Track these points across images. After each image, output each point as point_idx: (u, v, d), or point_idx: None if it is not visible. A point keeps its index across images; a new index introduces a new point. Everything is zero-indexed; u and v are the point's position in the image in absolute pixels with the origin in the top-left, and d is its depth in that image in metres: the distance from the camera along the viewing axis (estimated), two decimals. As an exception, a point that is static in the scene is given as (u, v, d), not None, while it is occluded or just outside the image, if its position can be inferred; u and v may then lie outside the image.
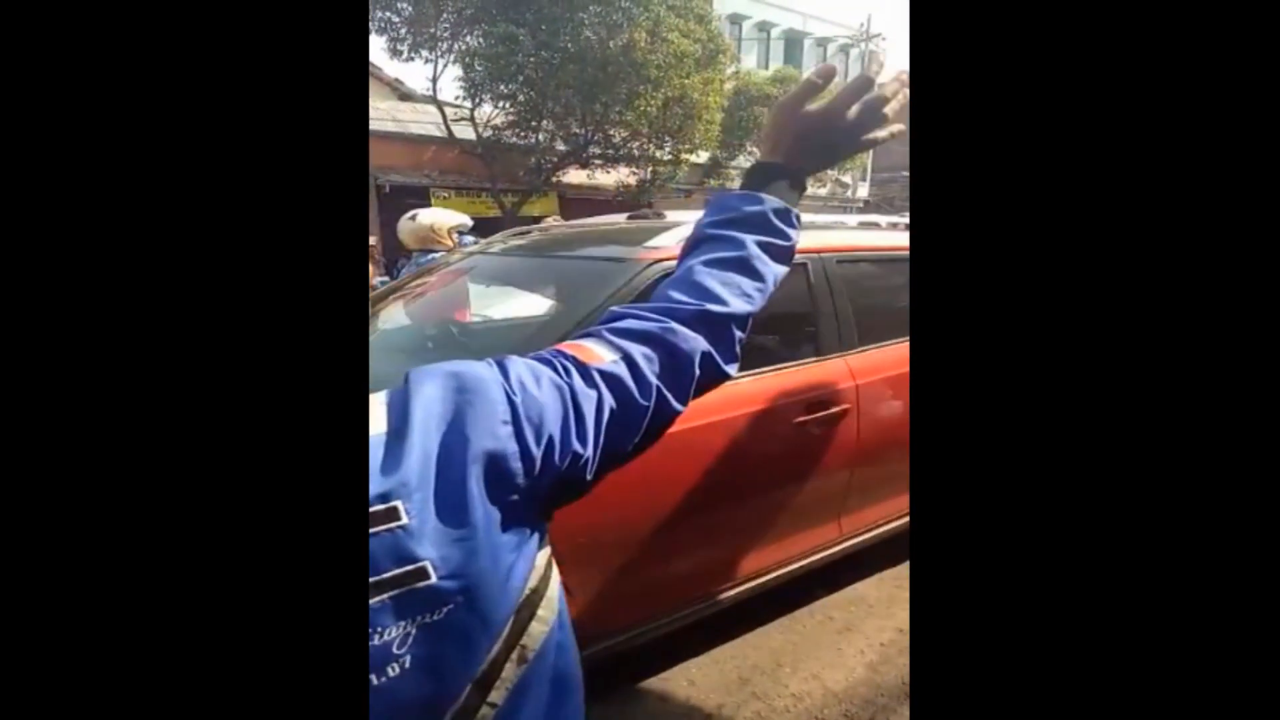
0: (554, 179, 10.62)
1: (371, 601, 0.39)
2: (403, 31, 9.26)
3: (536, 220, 9.42)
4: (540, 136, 9.89)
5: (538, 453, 0.46)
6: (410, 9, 9.04)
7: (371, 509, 0.40)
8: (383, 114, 10.98)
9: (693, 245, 0.61)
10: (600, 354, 0.52)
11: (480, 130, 9.80)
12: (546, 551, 0.49)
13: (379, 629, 0.39)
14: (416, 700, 0.41)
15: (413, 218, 3.35)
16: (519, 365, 0.50)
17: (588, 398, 0.50)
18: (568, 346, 0.54)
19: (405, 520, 0.40)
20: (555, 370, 0.50)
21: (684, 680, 1.79)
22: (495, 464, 0.44)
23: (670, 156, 10.60)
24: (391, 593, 0.39)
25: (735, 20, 17.36)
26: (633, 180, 11.10)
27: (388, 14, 9.12)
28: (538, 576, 0.47)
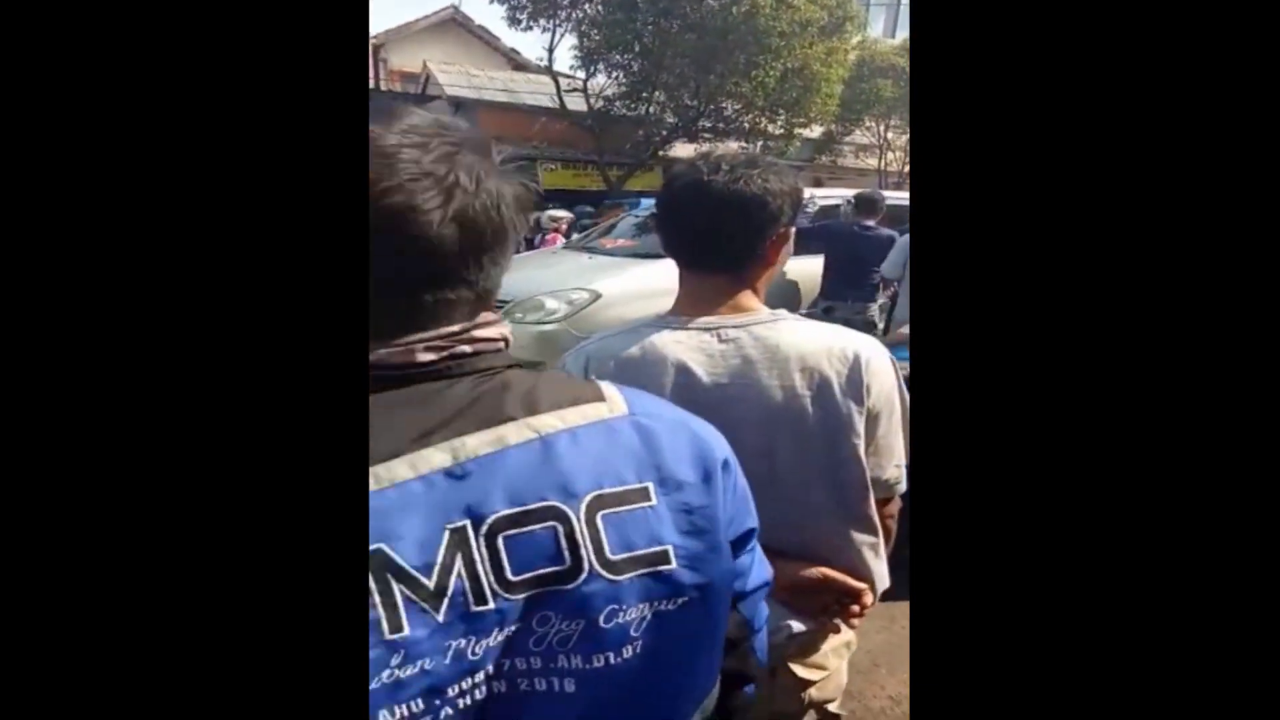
0: (661, 153, 10.44)
1: (621, 578, 0.41)
2: (523, 0, 9.29)
3: (642, 195, 9.33)
4: (651, 108, 9.71)
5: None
6: (531, -24, 9.04)
7: (626, 486, 0.42)
8: (496, 84, 11.14)
9: None
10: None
11: (592, 102, 9.74)
12: None
13: (622, 606, 0.41)
14: (642, 690, 0.42)
15: None
16: None
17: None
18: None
19: (654, 502, 0.42)
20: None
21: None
22: (732, 473, 0.48)
23: (782, 130, 10.14)
24: (638, 571, 0.41)
25: (862, -16, 16.28)
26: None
27: (509, -19, 9.17)
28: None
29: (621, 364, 0.81)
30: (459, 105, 10.62)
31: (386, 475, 0.38)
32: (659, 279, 3.51)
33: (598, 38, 8.96)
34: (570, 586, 0.40)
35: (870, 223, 3.75)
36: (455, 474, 0.39)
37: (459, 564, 0.38)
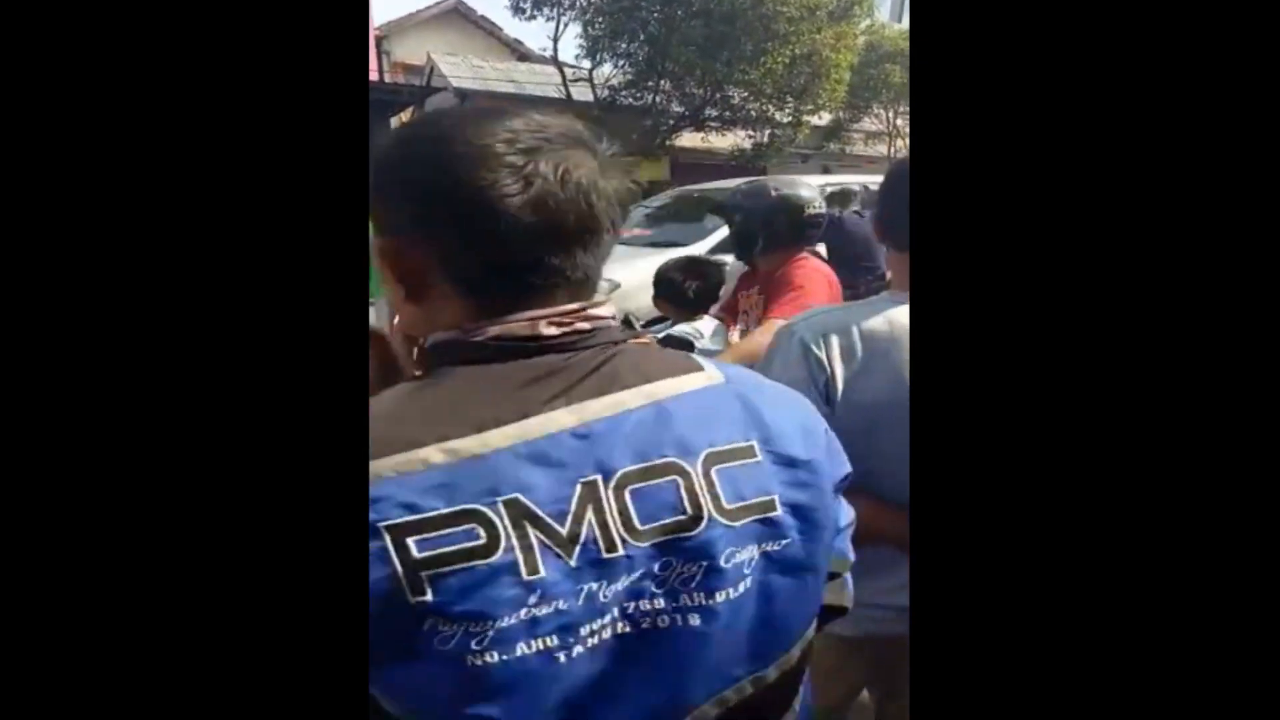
0: (667, 143, 10.34)
1: (737, 524, 0.45)
2: (527, -11, 9.18)
3: (648, 186, 9.26)
4: (657, 97, 9.61)
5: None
6: (535, -35, 8.93)
7: (734, 444, 0.47)
8: (500, 74, 11.06)
9: None
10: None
11: (597, 91, 9.65)
12: None
13: (739, 548, 0.45)
14: (755, 622, 0.46)
15: None
16: None
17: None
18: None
19: (759, 458, 0.47)
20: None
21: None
22: (825, 430, 0.54)
23: (790, 118, 10.02)
24: (751, 518, 0.46)
25: (869, -32, 16.06)
26: (748, 144, 10.60)
27: (513, -30, 9.07)
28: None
29: (868, 337, 0.80)
30: (464, 96, 10.56)
31: (518, 434, 0.42)
32: (673, 268, 3.55)
33: (603, 26, 8.85)
34: (694, 533, 0.44)
35: (861, 211, 3.67)
36: (580, 434, 0.43)
37: (590, 514, 0.42)
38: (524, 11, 9.35)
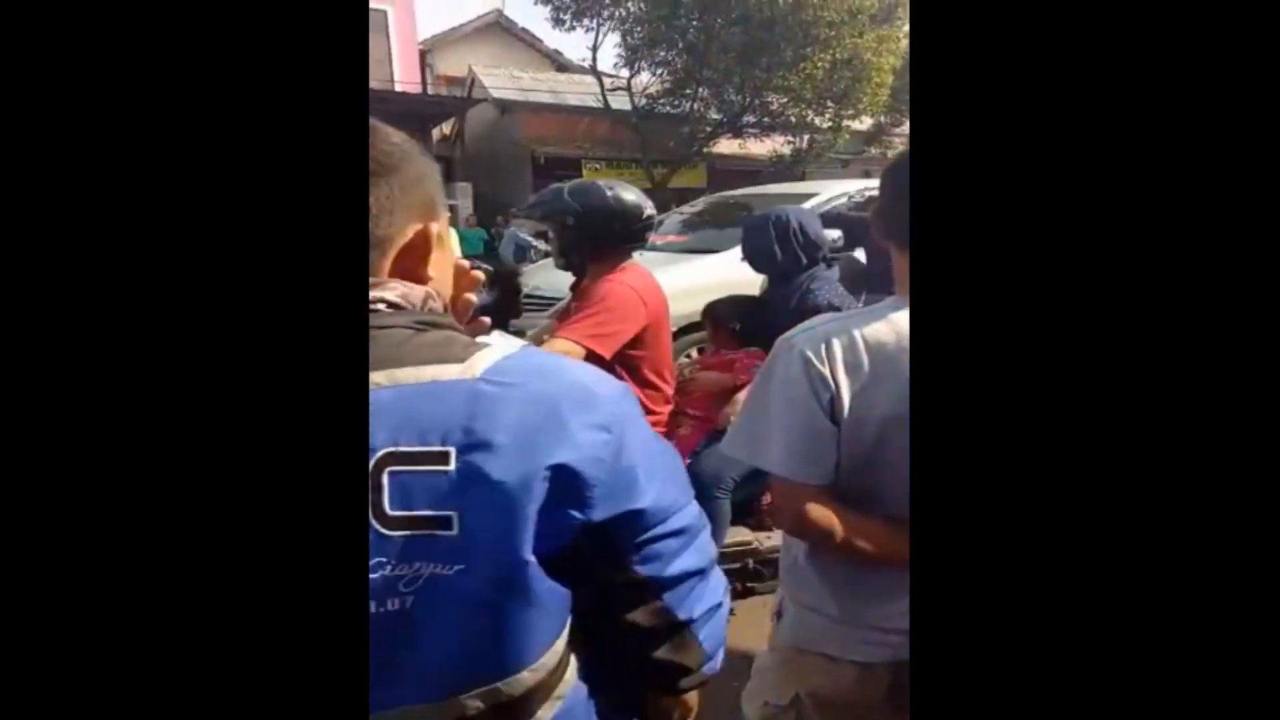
0: (705, 150, 10.32)
1: (390, 533, 0.42)
2: (566, 0, 9.32)
3: (686, 193, 9.22)
4: (695, 105, 9.61)
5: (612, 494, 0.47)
6: (575, -24, 9.06)
7: (424, 448, 0.43)
8: (540, 85, 11.23)
9: None
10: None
11: (635, 100, 9.70)
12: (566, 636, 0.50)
13: (388, 560, 0.42)
14: (411, 644, 0.44)
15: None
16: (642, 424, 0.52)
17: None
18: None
19: (450, 467, 0.43)
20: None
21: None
22: (605, 452, 0.47)
23: (830, 123, 9.88)
24: (411, 531, 0.43)
25: (911, -30, 15.74)
26: (787, 150, 10.50)
27: (553, -17, 9.21)
28: (556, 656, 0.49)
29: (874, 348, 0.74)
30: (505, 108, 10.76)
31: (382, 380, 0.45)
32: (708, 274, 3.40)
33: (641, 35, 8.91)
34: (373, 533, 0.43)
35: None
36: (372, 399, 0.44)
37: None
38: (564, 23, 9.50)
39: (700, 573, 0.52)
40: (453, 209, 5.08)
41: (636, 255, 1.72)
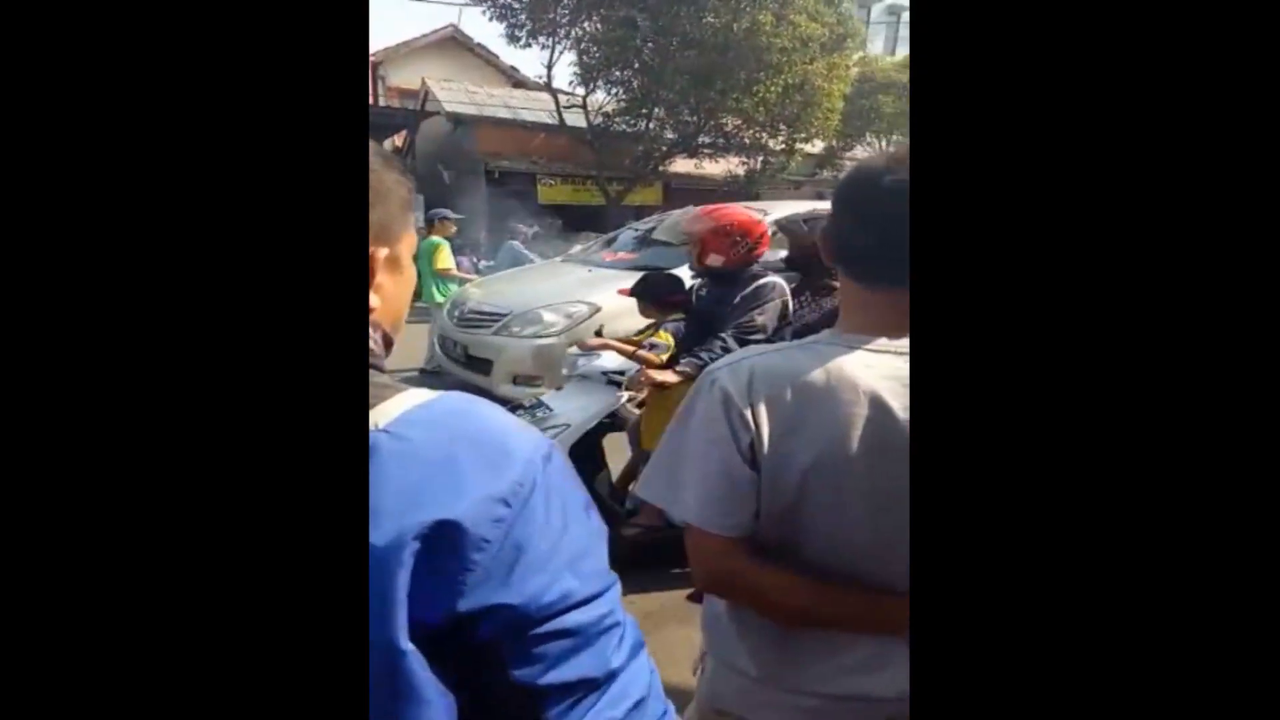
0: (660, 168, 10.38)
1: None
2: (522, 17, 9.28)
3: (642, 210, 9.23)
4: (650, 124, 9.67)
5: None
6: (530, -6, 9.04)
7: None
8: (495, 100, 11.13)
9: None
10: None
11: (591, 118, 9.70)
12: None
13: None
14: None
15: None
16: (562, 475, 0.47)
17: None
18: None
19: None
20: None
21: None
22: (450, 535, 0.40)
23: (783, 146, 10.09)
24: None
25: (864, 3, 16.41)
26: (741, 170, 10.66)
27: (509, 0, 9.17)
28: None
29: (801, 389, 0.66)
30: (458, 122, 10.60)
31: None
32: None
33: (597, 54, 8.94)
34: None
35: None
36: None
37: None
38: (519, 39, 9.45)
39: (592, 683, 0.43)
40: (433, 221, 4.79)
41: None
